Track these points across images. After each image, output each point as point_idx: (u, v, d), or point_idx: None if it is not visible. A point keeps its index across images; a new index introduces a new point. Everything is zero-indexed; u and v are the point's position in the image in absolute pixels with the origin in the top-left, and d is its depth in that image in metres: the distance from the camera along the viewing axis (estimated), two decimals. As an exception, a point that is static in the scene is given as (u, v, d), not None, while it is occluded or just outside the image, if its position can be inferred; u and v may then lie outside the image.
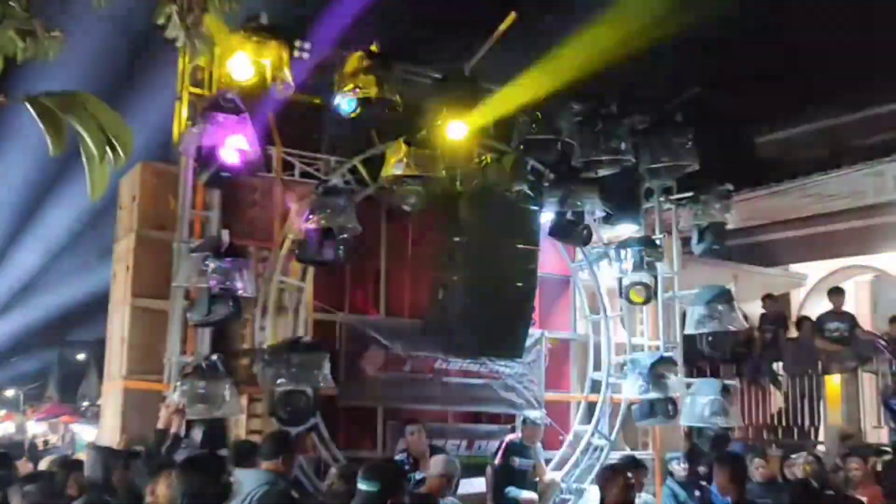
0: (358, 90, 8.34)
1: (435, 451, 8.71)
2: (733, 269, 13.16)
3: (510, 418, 10.03)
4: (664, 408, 9.60)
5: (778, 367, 12.60)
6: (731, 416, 9.56)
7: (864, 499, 7.32)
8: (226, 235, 7.86)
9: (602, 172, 9.85)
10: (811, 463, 8.20)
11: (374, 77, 8.34)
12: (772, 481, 8.22)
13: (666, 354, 10.04)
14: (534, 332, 9.87)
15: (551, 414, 10.08)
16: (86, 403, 27.27)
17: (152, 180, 8.80)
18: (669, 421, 9.75)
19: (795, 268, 15.07)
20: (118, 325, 8.83)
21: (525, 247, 9.24)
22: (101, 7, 3.71)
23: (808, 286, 15.11)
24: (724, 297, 9.93)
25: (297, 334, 8.43)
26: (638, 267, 9.83)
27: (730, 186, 10.31)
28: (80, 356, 30.77)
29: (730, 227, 10.39)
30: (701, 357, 10.68)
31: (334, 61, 8.71)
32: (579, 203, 9.61)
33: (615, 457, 10.10)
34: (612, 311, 10.46)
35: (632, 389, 9.84)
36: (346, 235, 8.28)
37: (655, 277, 10.13)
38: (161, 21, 4.01)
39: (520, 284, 9.17)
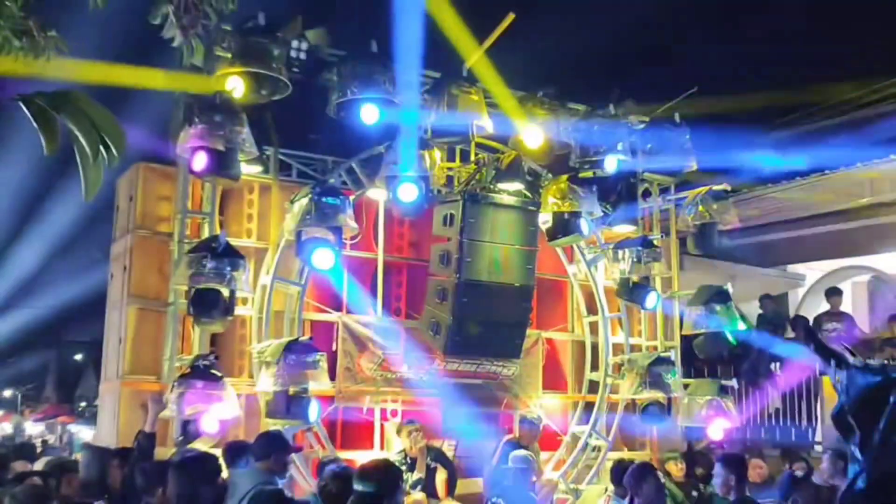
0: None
1: (432, 451, 8.72)
2: (731, 270, 13.16)
3: (507, 418, 10.03)
4: (662, 408, 9.64)
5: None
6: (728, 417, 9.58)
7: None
8: (223, 236, 7.86)
9: (600, 173, 9.88)
10: None
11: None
12: (768, 481, 8.23)
13: (664, 355, 10.05)
14: (531, 332, 9.85)
15: (548, 414, 10.08)
16: (83, 404, 27.28)
17: (150, 181, 8.80)
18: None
19: (793, 268, 15.08)
20: (116, 326, 8.83)
21: (523, 247, 9.23)
22: (99, 7, 3.71)
23: (805, 286, 15.11)
24: (722, 297, 9.94)
25: (294, 334, 8.42)
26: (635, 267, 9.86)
27: (727, 186, 10.32)
28: (78, 356, 30.77)
29: (727, 227, 10.39)
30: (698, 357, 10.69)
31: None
32: (577, 203, 9.60)
33: (613, 457, 10.13)
34: (610, 311, 10.45)
35: (629, 390, 9.84)
36: (343, 235, 8.29)
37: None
38: (157, 21, 4.01)
39: (517, 285, 9.16)
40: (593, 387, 10.36)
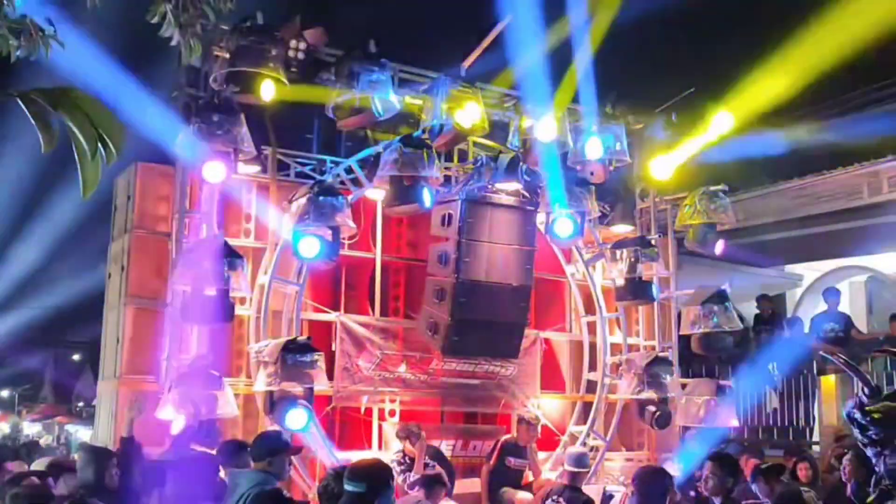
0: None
1: (430, 450, 8.72)
2: (729, 270, 13.16)
3: (505, 418, 10.03)
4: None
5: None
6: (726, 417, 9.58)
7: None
8: (221, 235, 7.85)
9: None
10: None
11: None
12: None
13: (661, 355, 10.05)
14: (529, 332, 9.85)
15: (546, 414, 10.08)
16: (81, 404, 27.25)
17: (148, 181, 8.79)
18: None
19: (791, 268, 15.09)
20: (113, 326, 8.82)
21: (521, 247, 9.23)
22: (97, 6, 3.70)
23: (803, 287, 15.13)
24: (720, 297, 9.94)
25: (292, 334, 8.42)
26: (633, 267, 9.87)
27: (724, 187, 10.32)
28: (76, 356, 30.73)
29: (725, 227, 10.40)
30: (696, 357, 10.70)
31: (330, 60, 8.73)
32: (575, 203, 9.60)
33: (611, 457, 10.15)
34: (608, 311, 10.45)
35: (627, 390, 9.85)
36: (341, 235, 8.28)
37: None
38: (155, 20, 4.00)
39: (515, 285, 9.16)
40: (591, 387, 10.36)
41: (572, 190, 9.55)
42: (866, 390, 3.97)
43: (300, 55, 8.45)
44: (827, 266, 14.53)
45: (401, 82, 9.11)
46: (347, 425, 9.31)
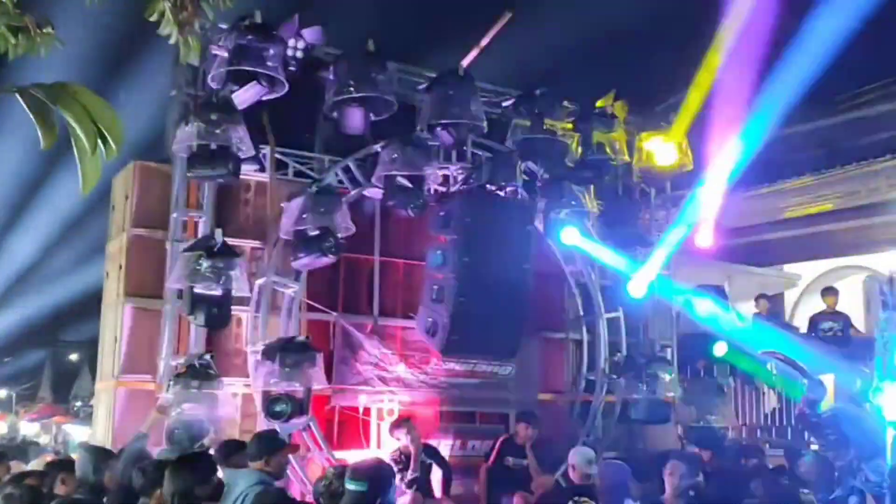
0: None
1: (427, 450, 8.70)
2: (727, 269, 13.16)
3: (504, 418, 10.01)
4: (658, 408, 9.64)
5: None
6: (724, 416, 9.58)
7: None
8: (219, 235, 7.83)
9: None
10: None
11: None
12: None
13: (661, 354, 10.04)
14: (528, 332, 9.84)
15: (545, 414, 10.05)
16: (78, 403, 27.18)
17: (145, 179, 8.77)
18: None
19: (789, 268, 15.09)
20: (111, 325, 8.80)
21: (520, 247, 9.21)
22: (95, 3, 3.68)
23: (801, 286, 15.13)
24: (718, 296, 9.95)
25: (291, 334, 8.40)
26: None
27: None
28: (73, 356, 30.66)
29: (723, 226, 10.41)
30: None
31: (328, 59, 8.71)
32: (574, 202, 9.59)
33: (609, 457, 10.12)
34: (607, 310, 10.43)
35: (626, 389, 9.83)
36: (339, 235, 8.26)
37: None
38: (153, 18, 3.98)
39: (514, 284, 9.14)
40: (590, 386, 10.35)
41: (571, 189, 9.55)
42: (808, 382, 3.91)
43: (299, 54, 8.43)
44: (825, 265, 14.53)
45: (400, 82, 9.10)
46: (345, 425, 9.28)
